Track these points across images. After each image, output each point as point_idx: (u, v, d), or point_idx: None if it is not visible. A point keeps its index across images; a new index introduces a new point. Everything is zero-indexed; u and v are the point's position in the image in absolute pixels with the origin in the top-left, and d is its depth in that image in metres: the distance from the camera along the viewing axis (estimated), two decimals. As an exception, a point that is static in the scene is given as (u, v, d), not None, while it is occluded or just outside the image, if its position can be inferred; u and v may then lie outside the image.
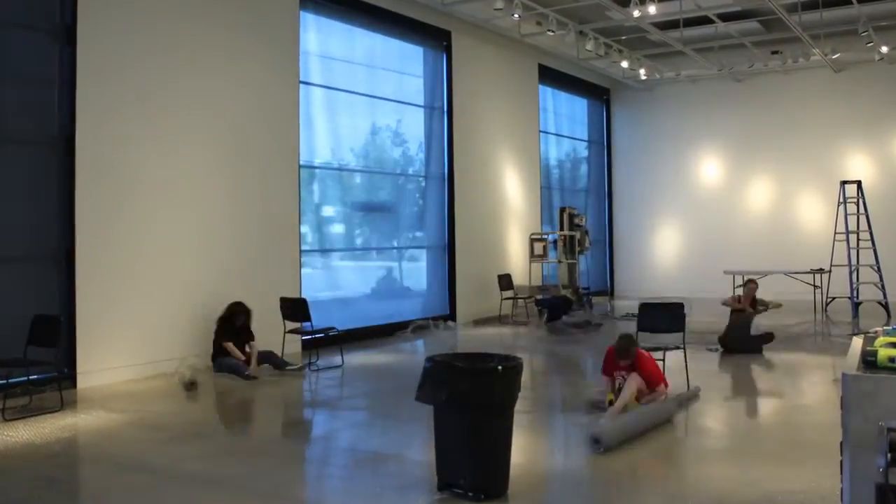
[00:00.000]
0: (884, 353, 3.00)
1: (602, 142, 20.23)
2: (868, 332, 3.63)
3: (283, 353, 9.58)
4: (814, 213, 17.37)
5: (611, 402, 6.62)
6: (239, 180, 10.15)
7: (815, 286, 14.95)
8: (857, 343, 3.42)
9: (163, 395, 8.10)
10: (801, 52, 15.93)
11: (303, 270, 11.05)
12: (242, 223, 10.17)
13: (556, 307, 13.56)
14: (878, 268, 14.61)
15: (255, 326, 9.27)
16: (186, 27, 9.59)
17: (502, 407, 4.74)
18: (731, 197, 18.57)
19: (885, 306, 14.30)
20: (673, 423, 6.49)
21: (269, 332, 9.72)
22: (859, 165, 16.92)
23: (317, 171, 11.84)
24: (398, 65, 13.63)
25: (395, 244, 13.82)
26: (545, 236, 16.02)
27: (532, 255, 15.65)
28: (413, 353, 10.88)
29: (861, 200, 14.85)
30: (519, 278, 15.36)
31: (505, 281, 14.73)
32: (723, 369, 9.20)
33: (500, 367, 4.70)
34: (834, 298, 14.83)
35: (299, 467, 5.93)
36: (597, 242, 18.75)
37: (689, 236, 19.09)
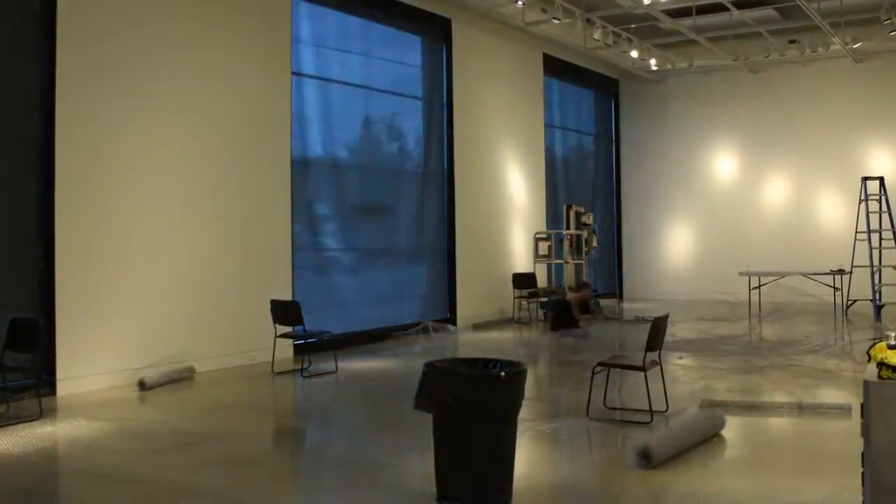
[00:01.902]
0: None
1: (610, 136, 20.22)
2: (890, 337, 3.62)
3: (273, 359, 9.60)
4: (834, 210, 17.36)
5: None
6: (228, 177, 10.15)
7: (835, 288, 14.95)
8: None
9: (147, 402, 8.10)
10: (820, 42, 15.93)
11: (295, 271, 11.06)
12: (232, 222, 10.16)
13: (560, 313, 13.57)
14: (902, 269, 14.61)
15: (246, 331, 9.24)
16: (173, 17, 9.57)
17: (505, 415, 4.74)
18: (747, 194, 18.55)
19: (909, 309, 14.31)
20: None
21: (260, 336, 9.73)
22: (882, 161, 16.89)
23: (310, 167, 11.83)
24: (395, 55, 13.62)
25: (393, 244, 13.80)
26: (551, 235, 16.01)
27: (537, 255, 15.65)
28: (411, 358, 10.86)
29: (884, 197, 14.84)
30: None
31: (518, 280, 14.93)
32: (735, 374, 9.20)
33: (502, 373, 4.70)
34: (855, 301, 14.82)
35: (291, 478, 5.93)
36: (604, 242, 18.73)
37: (701, 235, 19.08)
